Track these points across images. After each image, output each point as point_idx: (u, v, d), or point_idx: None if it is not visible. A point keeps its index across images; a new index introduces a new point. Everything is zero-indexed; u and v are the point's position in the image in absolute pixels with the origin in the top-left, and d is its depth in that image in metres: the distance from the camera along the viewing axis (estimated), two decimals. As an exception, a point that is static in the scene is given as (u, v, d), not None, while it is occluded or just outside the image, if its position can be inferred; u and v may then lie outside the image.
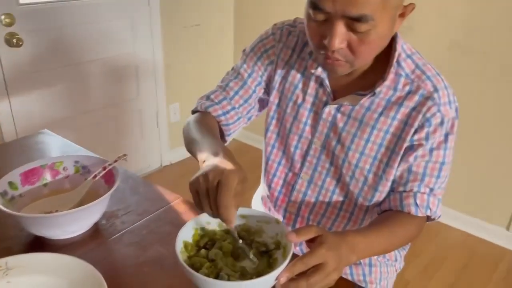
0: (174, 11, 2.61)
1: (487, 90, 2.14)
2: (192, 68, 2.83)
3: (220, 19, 2.92)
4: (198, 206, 0.72)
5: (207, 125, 0.96)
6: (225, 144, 1.05)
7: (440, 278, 2.10)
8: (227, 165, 0.71)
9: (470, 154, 2.28)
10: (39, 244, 0.87)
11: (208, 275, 0.71)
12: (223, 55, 3.01)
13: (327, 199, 1.01)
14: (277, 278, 0.69)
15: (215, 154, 0.77)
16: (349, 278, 1.06)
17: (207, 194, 0.69)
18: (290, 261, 0.70)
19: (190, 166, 2.91)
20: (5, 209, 0.81)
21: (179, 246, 0.74)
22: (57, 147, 1.26)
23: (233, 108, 1.03)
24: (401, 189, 0.92)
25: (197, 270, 0.71)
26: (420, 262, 2.19)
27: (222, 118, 1.02)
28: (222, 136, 1.05)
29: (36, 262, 0.77)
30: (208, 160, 0.76)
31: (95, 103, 2.41)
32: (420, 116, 0.87)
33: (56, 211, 0.90)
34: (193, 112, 1.06)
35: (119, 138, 2.63)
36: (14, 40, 1.93)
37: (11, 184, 0.90)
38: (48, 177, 0.97)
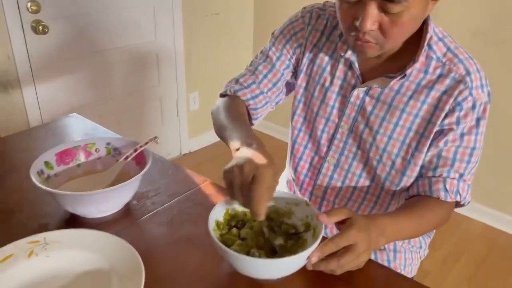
0: (195, 0, 2.62)
1: (510, 79, 2.10)
2: (212, 57, 2.85)
3: (240, 8, 2.92)
4: (230, 195, 0.73)
5: (237, 110, 0.98)
6: (252, 126, 1.07)
7: (460, 270, 2.09)
8: (262, 159, 0.73)
9: (492, 145, 2.25)
10: (74, 222, 0.89)
11: (238, 252, 0.73)
12: (243, 44, 3.02)
13: (353, 183, 1.02)
14: (308, 258, 0.70)
15: (249, 144, 0.78)
16: (375, 262, 1.06)
17: (240, 186, 0.70)
18: (320, 242, 0.71)
19: (209, 154, 2.94)
20: (43, 186, 0.84)
21: (211, 224, 0.75)
22: (86, 130, 1.28)
23: (262, 93, 1.04)
24: (430, 174, 0.92)
25: (228, 247, 0.73)
26: (440, 253, 2.18)
27: (251, 102, 1.03)
28: (250, 119, 1.05)
29: (74, 237, 0.79)
30: (242, 150, 0.77)
31: (117, 91, 2.45)
32: (451, 100, 0.87)
33: (90, 190, 0.93)
34: (222, 95, 1.07)
35: (140, 126, 2.66)
36: (40, 27, 1.96)
37: (47, 163, 0.93)
38: (81, 157, 0.99)
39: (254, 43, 3.07)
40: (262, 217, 0.71)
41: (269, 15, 2.90)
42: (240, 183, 0.70)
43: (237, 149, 0.79)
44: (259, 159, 0.72)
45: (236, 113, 0.95)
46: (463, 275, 2.06)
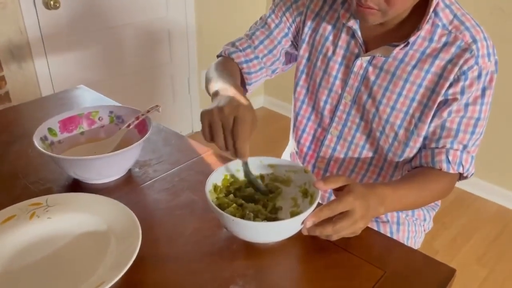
0: (207, -25, 2.59)
1: (530, 57, 2.04)
2: (224, 34, 2.81)
3: (253, -17, 2.89)
4: (207, 136, 0.74)
5: (227, 68, 0.98)
6: (246, 94, 1.06)
7: (470, 250, 2.08)
8: (241, 100, 0.74)
9: (505, 124, 2.20)
10: (77, 187, 0.91)
11: (234, 214, 0.73)
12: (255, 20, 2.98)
13: (356, 155, 1.01)
14: (303, 223, 0.70)
15: (227, 89, 0.79)
16: (376, 234, 1.06)
17: (221, 127, 0.71)
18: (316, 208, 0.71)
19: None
20: (46, 151, 0.85)
21: (208, 187, 0.76)
22: (93, 101, 1.30)
23: (256, 57, 1.04)
24: (433, 145, 0.90)
25: (224, 210, 0.74)
26: (450, 233, 2.17)
27: (244, 65, 1.03)
28: (244, 84, 1.05)
29: (75, 201, 0.81)
30: (220, 93, 0.78)
31: (128, 67, 2.45)
32: (456, 69, 0.85)
33: (92, 157, 0.94)
34: (218, 57, 1.07)
35: (151, 103, 2.65)
36: (52, 2, 1.97)
37: (50, 130, 0.94)
38: (84, 125, 1.00)
39: (267, 20, 3.03)
40: (246, 157, 0.73)
41: (282, -9, 2.86)
42: (221, 124, 0.70)
43: (215, 94, 0.80)
44: (239, 99, 0.73)
45: (224, 70, 0.95)
46: (473, 254, 2.04)
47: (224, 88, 0.81)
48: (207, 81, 0.94)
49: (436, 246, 2.07)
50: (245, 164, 0.80)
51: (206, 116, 0.72)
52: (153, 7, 2.42)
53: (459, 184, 0.94)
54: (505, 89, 2.11)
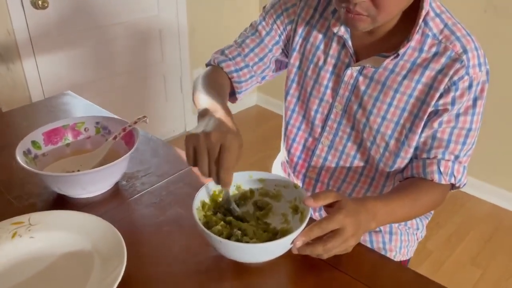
0: (198, -27, 2.56)
1: (523, 56, 2.04)
2: (216, 33, 2.79)
3: (246, -19, 2.85)
4: (190, 161, 0.71)
5: (216, 80, 0.95)
6: (237, 101, 1.05)
7: (464, 250, 2.08)
8: (229, 128, 0.71)
9: (498, 123, 2.20)
10: (61, 202, 0.89)
11: (221, 232, 0.72)
12: (248, 19, 2.95)
13: (347, 164, 0.99)
14: (293, 242, 0.69)
15: (216, 110, 0.76)
16: (368, 245, 1.05)
17: (207, 154, 0.68)
18: (307, 226, 0.69)
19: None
20: (29, 167, 0.83)
21: (196, 204, 0.74)
22: (80, 108, 1.28)
23: (247, 66, 1.01)
24: (424, 156, 0.89)
25: (211, 227, 0.72)
26: (444, 232, 2.17)
27: (235, 74, 1.00)
28: (233, 93, 1.03)
29: (58, 219, 0.79)
30: (208, 115, 0.75)
31: (120, 67, 2.43)
32: (446, 79, 0.83)
33: (78, 170, 0.92)
34: (207, 65, 1.05)
35: (144, 102, 2.65)
36: (40, 2, 1.94)
37: (34, 143, 0.92)
38: (70, 137, 0.98)
39: (260, 17, 3.01)
40: (229, 186, 0.71)
41: (275, -12, 2.83)
42: (206, 151, 0.68)
43: (202, 114, 0.77)
44: (226, 126, 0.71)
45: (213, 83, 0.92)
46: (467, 254, 2.05)
47: (212, 108, 0.77)
48: (195, 94, 0.91)
49: (430, 246, 2.07)
50: (227, 192, 0.78)
51: (192, 141, 0.70)
52: (144, 6, 2.39)
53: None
54: (500, 87, 2.10)
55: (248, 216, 0.81)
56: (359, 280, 0.72)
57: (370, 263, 0.77)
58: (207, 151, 0.68)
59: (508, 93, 2.12)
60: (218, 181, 0.70)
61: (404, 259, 1.09)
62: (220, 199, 0.81)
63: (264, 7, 1.03)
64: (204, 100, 0.83)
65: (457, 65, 0.83)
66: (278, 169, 1.18)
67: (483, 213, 2.31)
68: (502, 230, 2.20)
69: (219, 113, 0.76)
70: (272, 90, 3.11)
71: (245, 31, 1.05)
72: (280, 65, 1.08)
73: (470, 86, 0.84)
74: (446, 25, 0.85)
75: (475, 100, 0.85)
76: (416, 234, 1.10)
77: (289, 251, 0.71)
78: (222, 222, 0.75)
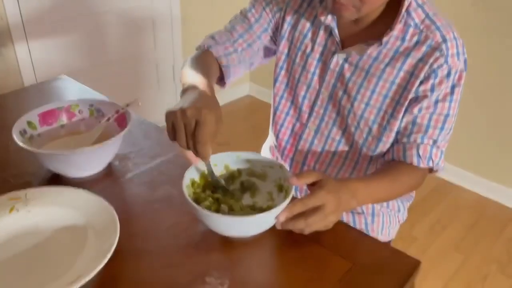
0: (191, -38, 2.57)
1: (510, 48, 2.08)
2: (209, 21, 2.80)
3: (239, -29, 2.86)
4: (170, 136, 0.75)
5: (204, 62, 0.98)
6: (225, 87, 1.08)
7: (447, 236, 2.14)
8: (206, 103, 0.74)
9: (483, 114, 2.25)
10: (56, 181, 0.92)
11: (209, 208, 0.76)
12: (240, 8, 2.97)
13: (332, 149, 1.04)
14: (276, 217, 0.73)
15: (195, 87, 0.80)
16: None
17: (183, 129, 0.72)
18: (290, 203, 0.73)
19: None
20: (25, 146, 0.86)
21: (186, 182, 0.78)
22: (75, 92, 1.30)
23: (235, 51, 1.04)
24: (404, 140, 0.93)
25: (200, 204, 0.76)
26: (428, 220, 2.23)
27: (223, 59, 1.03)
28: (222, 78, 1.06)
29: (54, 195, 0.82)
30: (188, 93, 0.79)
31: (113, 54, 2.44)
32: (426, 67, 0.87)
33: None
34: (197, 49, 1.07)
35: (136, 90, 2.66)
36: (33, -12, 1.94)
37: (30, 123, 0.95)
38: (64, 119, 1.01)
39: (253, 7, 3.02)
40: (207, 159, 0.75)
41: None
42: (183, 126, 0.72)
43: (184, 91, 0.81)
44: (203, 102, 0.74)
45: (200, 63, 0.95)
46: (451, 241, 2.11)
47: (192, 86, 0.81)
48: (182, 73, 0.95)
49: (415, 233, 2.13)
50: (208, 165, 0.82)
51: (170, 117, 0.73)
52: (137, -7, 2.40)
53: (438, 173, 0.98)
54: (486, 78, 2.15)
55: (236, 194, 0.85)
56: (339, 254, 0.76)
57: (350, 239, 0.81)
58: (183, 126, 0.72)
59: (494, 84, 2.17)
60: (196, 154, 0.74)
61: (386, 240, 1.14)
62: (210, 179, 0.85)
63: (254, -6, 1.07)
64: (188, 78, 0.87)
65: (437, 54, 0.87)
66: (266, 153, 1.22)
67: (467, 202, 2.37)
68: (484, 218, 2.26)
69: (199, 89, 0.79)
70: (264, 80, 3.14)
71: (234, 17, 1.08)
72: (269, 52, 1.11)
73: (448, 74, 0.88)
74: (427, 15, 0.89)
75: (453, 87, 0.90)
76: (398, 216, 1.15)
77: (273, 227, 0.75)
78: (210, 199, 0.79)
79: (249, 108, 3.20)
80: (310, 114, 1.04)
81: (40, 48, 2.11)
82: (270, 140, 1.20)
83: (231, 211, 0.78)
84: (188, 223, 0.82)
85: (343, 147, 1.03)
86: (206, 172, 0.84)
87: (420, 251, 2.04)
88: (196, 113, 0.71)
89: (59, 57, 2.20)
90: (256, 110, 3.13)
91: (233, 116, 2.94)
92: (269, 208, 0.82)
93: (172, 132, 0.74)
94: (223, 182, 0.84)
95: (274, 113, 1.11)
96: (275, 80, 1.08)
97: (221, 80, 1.06)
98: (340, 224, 0.82)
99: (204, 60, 0.99)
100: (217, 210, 0.77)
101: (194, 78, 0.86)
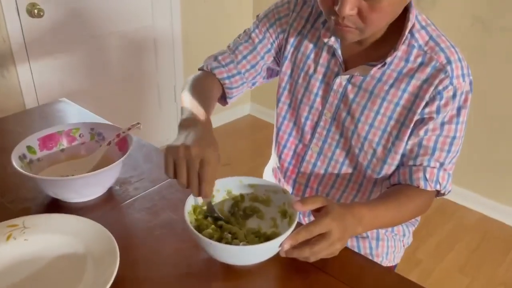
0: (193, -16, 2.60)
1: (510, 67, 2.08)
2: (210, 43, 2.83)
3: (239, -9, 2.90)
4: (170, 174, 0.73)
5: (204, 85, 0.98)
6: (226, 106, 1.09)
7: (452, 258, 2.11)
8: (208, 142, 0.74)
9: (487, 135, 2.24)
10: (56, 206, 0.91)
11: (212, 235, 0.74)
12: (242, 29, 2.99)
13: (336, 171, 1.02)
14: (280, 245, 0.71)
15: (196, 123, 0.79)
16: (356, 251, 1.07)
17: (185, 166, 0.71)
18: (295, 230, 0.71)
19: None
20: (24, 171, 0.84)
21: (187, 208, 0.76)
22: (75, 115, 1.29)
23: (239, 73, 1.04)
24: (411, 163, 0.92)
25: (202, 231, 0.74)
26: (433, 241, 2.19)
27: (227, 81, 1.03)
28: (224, 98, 1.06)
29: (52, 222, 0.81)
30: (189, 128, 0.78)
31: (114, 75, 2.45)
32: (431, 89, 0.86)
33: (72, 175, 0.94)
34: (200, 70, 1.07)
35: (138, 111, 2.67)
36: (35, 11, 1.96)
37: (29, 148, 0.94)
38: (64, 142, 1.00)
39: (253, 28, 3.05)
40: (210, 198, 0.75)
41: None
42: (185, 164, 0.71)
43: (183, 124, 0.80)
44: (206, 141, 0.74)
45: (200, 88, 0.95)
46: (455, 263, 2.07)
47: (194, 119, 0.80)
48: (182, 97, 0.94)
49: (419, 255, 2.10)
50: (209, 203, 0.80)
51: (171, 154, 0.72)
52: (139, 15, 2.42)
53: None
54: (488, 98, 2.15)
55: (239, 221, 0.83)
56: (345, 282, 0.74)
57: (356, 266, 0.79)
58: (185, 164, 0.71)
59: (496, 104, 2.17)
60: (198, 193, 0.72)
61: (391, 265, 1.12)
62: (209, 215, 0.83)
63: (257, 16, 1.07)
64: (188, 107, 0.86)
65: (442, 75, 0.86)
66: (269, 175, 1.20)
67: (471, 222, 2.34)
68: (489, 239, 2.23)
69: (200, 125, 0.79)
70: (265, 100, 3.15)
71: (238, 37, 1.08)
72: (271, 73, 1.11)
73: (454, 96, 0.87)
74: (431, 37, 0.89)
75: (459, 109, 0.88)
76: (403, 240, 1.12)
77: (278, 254, 0.73)
78: (212, 226, 0.77)
79: (250, 127, 3.19)
80: (312, 135, 1.03)
81: (42, 70, 2.12)
82: (273, 161, 1.18)
83: (235, 239, 0.76)
84: (190, 250, 0.80)
85: (346, 169, 1.01)
86: (205, 208, 0.82)
87: (425, 274, 2.00)
88: (200, 152, 0.71)
89: (60, 79, 2.21)
90: (257, 129, 3.13)
91: (234, 135, 2.93)
92: (273, 234, 0.80)
93: (172, 168, 0.73)
94: (222, 218, 0.82)
95: (277, 134, 1.10)
96: (278, 100, 1.07)
97: (223, 99, 1.06)
98: (345, 251, 0.80)
99: (205, 84, 0.99)
100: (220, 238, 0.75)
101: (194, 108, 0.85)
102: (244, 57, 1.04)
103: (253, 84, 1.10)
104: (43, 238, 0.78)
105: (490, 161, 2.28)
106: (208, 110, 0.87)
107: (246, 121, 3.27)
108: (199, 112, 0.84)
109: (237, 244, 0.74)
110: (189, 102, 0.88)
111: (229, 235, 0.76)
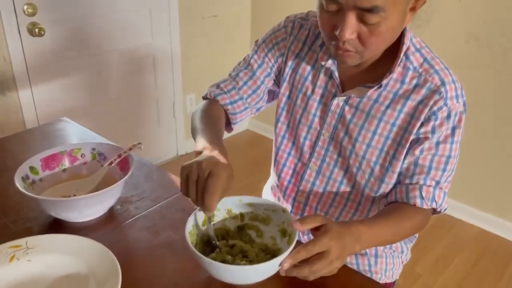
0: (192, 2, 2.64)
1: (505, 84, 2.11)
2: (208, 60, 2.86)
3: (237, 10, 2.94)
4: (183, 190, 0.76)
5: (212, 114, 1.01)
6: (232, 131, 1.11)
7: (451, 273, 2.11)
8: (221, 159, 0.77)
9: (485, 149, 2.26)
10: (57, 226, 0.92)
11: (214, 258, 0.75)
12: (240, 47, 3.03)
13: (334, 189, 1.03)
14: (280, 264, 0.72)
15: (212, 148, 0.82)
16: (355, 268, 1.08)
17: (196, 181, 0.73)
18: (294, 249, 0.73)
19: (205, 155, 2.96)
20: (27, 192, 0.86)
21: (188, 228, 0.77)
22: (76, 134, 1.31)
23: (241, 98, 1.07)
24: (407, 181, 0.93)
25: (203, 252, 0.75)
26: (432, 256, 2.20)
27: (229, 107, 1.06)
28: (229, 123, 1.09)
29: (55, 242, 0.81)
30: (204, 152, 0.81)
31: (114, 93, 2.47)
32: (426, 110, 0.89)
33: (74, 195, 0.95)
34: (204, 98, 1.11)
35: (137, 127, 2.68)
36: (36, 30, 1.99)
37: (32, 168, 0.95)
38: (66, 163, 1.01)
39: (251, 45, 3.08)
40: (211, 211, 0.74)
41: (266, 17, 2.92)
42: (196, 178, 0.73)
43: (199, 152, 0.82)
44: (219, 158, 0.76)
45: (210, 117, 0.98)
46: (454, 278, 2.07)
47: (208, 147, 0.83)
48: (193, 129, 0.97)
49: (418, 270, 2.10)
50: (209, 219, 0.81)
51: (185, 170, 0.75)
52: (139, 33, 2.45)
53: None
54: (479, 113, 2.18)
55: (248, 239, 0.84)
56: (345, 301, 0.75)
57: (355, 284, 0.80)
58: (196, 178, 0.73)
59: (491, 120, 2.19)
60: (202, 205, 0.74)
61: (390, 281, 1.13)
62: (213, 223, 0.84)
63: (256, 41, 1.10)
64: (201, 138, 0.89)
65: (436, 97, 0.88)
66: (268, 193, 1.22)
67: (470, 237, 2.35)
68: (488, 254, 2.23)
69: (214, 151, 0.81)
70: (263, 115, 3.15)
71: (238, 64, 1.11)
72: (274, 95, 1.13)
73: (448, 116, 0.89)
74: (425, 59, 0.91)
75: (453, 129, 0.90)
76: (401, 257, 1.14)
77: (277, 272, 0.74)
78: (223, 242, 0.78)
79: (248, 142, 3.21)
80: (311, 155, 1.04)
81: (42, 88, 2.14)
82: (272, 180, 1.19)
83: (244, 257, 0.78)
84: (191, 270, 0.81)
85: (345, 188, 1.03)
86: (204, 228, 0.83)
87: (424, 290, 2.00)
88: (211, 165, 0.73)
89: (60, 96, 2.23)
90: (255, 144, 3.15)
91: (233, 150, 2.91)
92: (277, 250, 0.81)
93: (185, 185, 0.75)
94: (220, 248, 0.82)
95: (276, 153, 1.12)
96: (277, 120, 1.09)
97: (228, 125, 1.10)
98: (344, 269, 0.81)
99: (213, 112, 1.02)
100: (222, 257, 0.76)
101: (207, 138, 0.88)
102: (245, 83, 1.07)
103: (257, 109, 1.13)
104: (46, 258, 0.79)
105: (488, 174, 2.30)
106: (220, 135, 0.91)
107: (244, 136, 3.29)
108: (212, 140, 0.87)
109: (238, 263, 0.75)
110: (201, 133, 0.91)
111: (229, 257, 0.77)
